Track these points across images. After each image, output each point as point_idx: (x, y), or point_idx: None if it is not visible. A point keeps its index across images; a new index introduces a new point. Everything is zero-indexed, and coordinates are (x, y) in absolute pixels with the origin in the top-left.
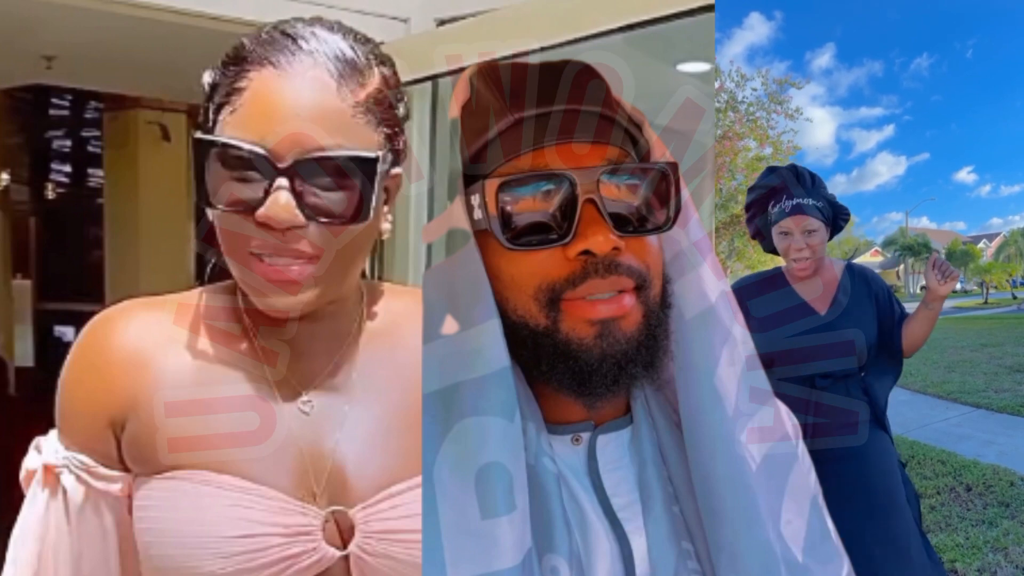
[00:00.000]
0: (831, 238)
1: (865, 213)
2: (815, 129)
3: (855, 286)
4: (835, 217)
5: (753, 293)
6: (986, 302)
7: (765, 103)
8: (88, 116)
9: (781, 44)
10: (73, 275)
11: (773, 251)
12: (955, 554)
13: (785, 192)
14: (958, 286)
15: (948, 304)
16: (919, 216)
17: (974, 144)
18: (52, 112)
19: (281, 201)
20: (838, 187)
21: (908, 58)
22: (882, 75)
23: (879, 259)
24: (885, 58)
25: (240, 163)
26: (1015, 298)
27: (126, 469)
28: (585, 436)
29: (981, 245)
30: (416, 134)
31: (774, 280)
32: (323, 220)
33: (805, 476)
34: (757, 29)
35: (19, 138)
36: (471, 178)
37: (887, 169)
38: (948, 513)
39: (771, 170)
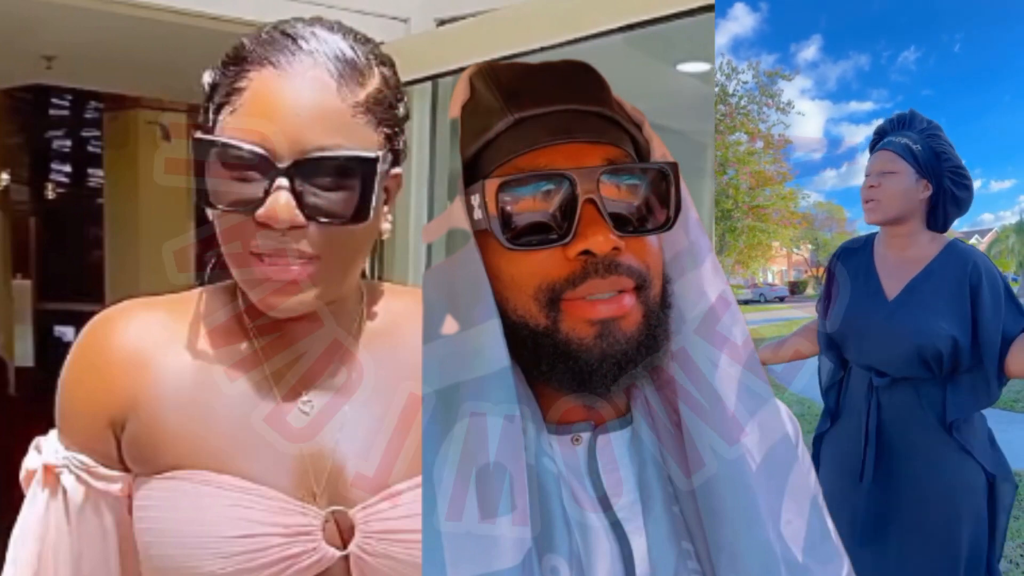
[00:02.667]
0: (943, 213)
1: (857, 209)
2: (803, 123)
3: (948, 270)
4: (935, 164)
5: (839, 258)
6: None
7: (756, 96)
8: (88, 116)
9: (766, 36)
10: (73, 275)
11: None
12: None
13: (884, 135)
14: None
15: None
16: None
17: (963, 139)
18: (52, 112)
19: (281, 201)
20: (828, 182)
21: (895, 51)
22: (869, 69)
23: None
24: (872, 51)
25: (240, 163)
26: None
27: (126, 469)
28: (585, 436)
29: (973, 240)
30: (416, 134)
31: (862, 247)
32: (323, 220)
33: (805, 476)
34: (742, 20)
35: (19, 138)
36: (471, 178)
37: None
38: None
39: (890, 119)
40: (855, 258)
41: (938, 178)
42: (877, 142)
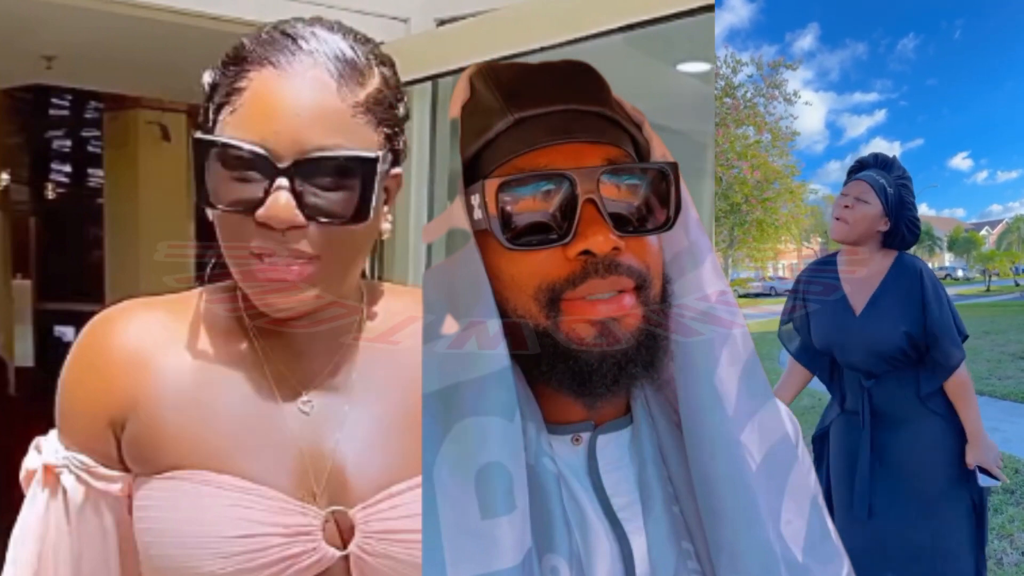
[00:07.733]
0: (896, 245)
1: None
2: (806, 114)
3: (900, 280)
4: (899, 210)
5: (811, 276)
6: (988, 289)
7: (763, 88)
8: (88, 116)
9: (762, 26)
10: (73, 275)
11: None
12: None
13: (865, 167)
14: (959, 273)
15: (951, 292)
16: (918, 203)
17: (970, 129)
18: (52, 112)
19: (281, 201)
20: (832, 174)
21: (894, 39)
22: (868, 58)
23: None
24: (870, 39)
25: (240, 163)
26: (1017, 285)
27: (126, 469)
28: (585, 436)
29: (983, 232)
30: (416, 134)
31: (827, 270)
32: (323, 220)
33: (805, 476)
34: (738, 11)
35: (19, 138)
36: (471, 178)
37: None
38: None
39: (874, 155)
40: (825, 275)
41: (897, 222)
42: (858, 170)
